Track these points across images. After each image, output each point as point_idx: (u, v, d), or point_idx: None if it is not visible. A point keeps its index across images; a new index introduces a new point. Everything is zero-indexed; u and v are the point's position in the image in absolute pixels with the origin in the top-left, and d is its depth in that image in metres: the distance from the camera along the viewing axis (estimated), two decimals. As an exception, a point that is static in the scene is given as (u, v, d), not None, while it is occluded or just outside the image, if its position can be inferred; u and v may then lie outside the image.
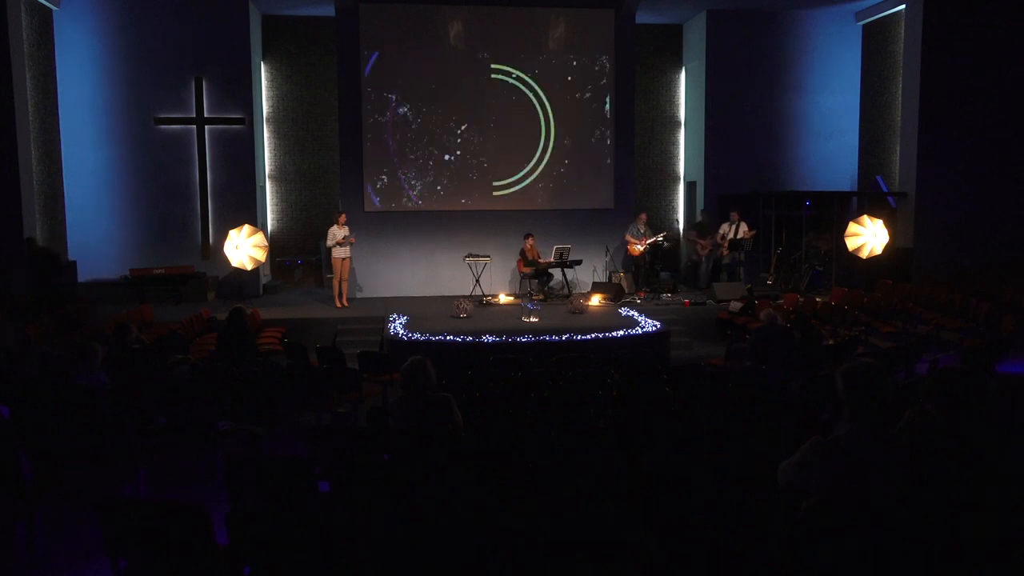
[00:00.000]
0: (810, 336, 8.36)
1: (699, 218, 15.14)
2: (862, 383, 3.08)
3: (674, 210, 16.60)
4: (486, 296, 13.06)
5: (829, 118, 15.54)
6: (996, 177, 13.75)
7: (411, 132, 13.88)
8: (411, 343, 9.64)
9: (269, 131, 15.29)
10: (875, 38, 15.20)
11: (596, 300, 12.70)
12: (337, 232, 12.26)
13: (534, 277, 13.45)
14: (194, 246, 13.82)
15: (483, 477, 4.02)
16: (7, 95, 11.39)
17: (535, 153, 14.18)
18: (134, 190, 13.68)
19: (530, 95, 14.10)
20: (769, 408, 5.83)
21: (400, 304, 12.48)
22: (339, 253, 12.27)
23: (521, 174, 14.19)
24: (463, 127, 14.00)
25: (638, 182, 15.59)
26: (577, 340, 9.85)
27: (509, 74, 14.01)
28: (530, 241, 13.36)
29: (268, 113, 15.25)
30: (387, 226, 13.88)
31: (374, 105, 13.74)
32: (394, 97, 13.79)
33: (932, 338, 9.62)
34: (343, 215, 12.57)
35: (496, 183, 14.14)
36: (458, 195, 14.11)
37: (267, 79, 15.19)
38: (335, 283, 12.52)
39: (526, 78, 14.05)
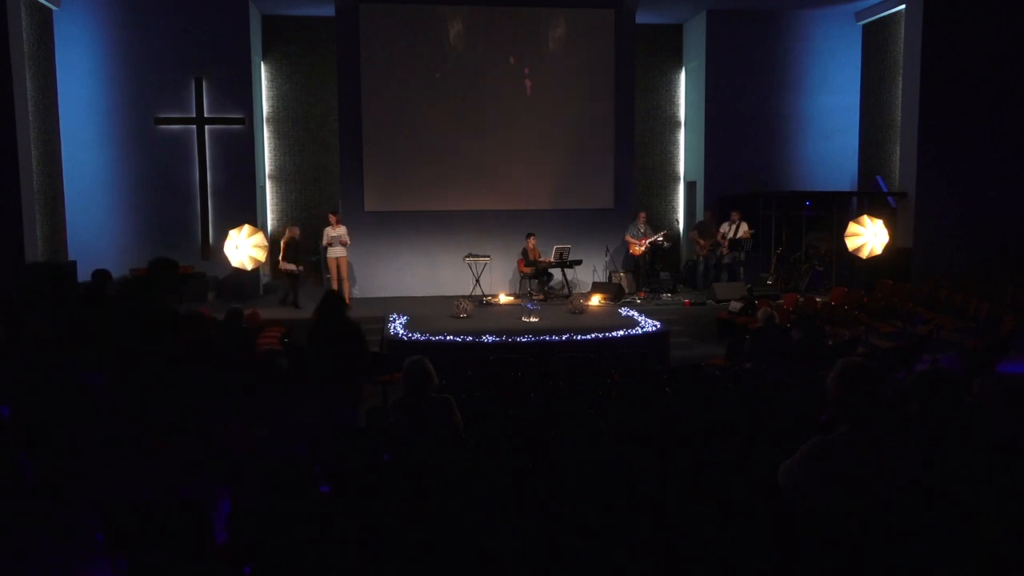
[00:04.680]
0: (813, 336, 8.34)
1: (701, 218, 15.18)
2: (854, 382, 3.08)
3: (674, 210, 16.60)
4: (486, 296, 13.06)
5: (829, 118, 15.54)
6: (996, 177, 13.73)
7: (411, 132, 13.88)
8: (411, 343, 9.64)
9: (269, 131, 15.29)
10: (875, 38, 15.20)
11: (596, 300, 12.70)
12: (329, 232, 12.37)
13: (534, 277, 13.45)
14: (194, 246, 13.82)
15: (483, 478, 4.02)
16: (7, 95, 11.38)
17: (535, 153, 14.18)
18: (134, 190, 13.68)
19: (530, 95, 14.10)
20: (769, 408, 5.83)
21: (400, 304, 12.48)
22: (332, 253, 12.41)
23: (521, 174, 14.20)
24: (463, 127, 14.00)
25: (638, 182, 15.59)
26: (577, 340, 9.84)
27: (509, 74, 14.01)
28: (532, 241, 13.37)
29: (268, 113, 15.25)
30: (387, 226, 13.88)
31: (374, 105, 13.74)
32: (394, 97, 13.79)
33: (932, 338, 9.62)
34: (334, 215, 12.63)
35: (496, 183, 14.14)
36: (458, 195, 14.11)
37: (267, 79, 15.20)
38: (333, 283, 12.58)
39: (526, 78, 14.06)
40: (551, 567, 3.17)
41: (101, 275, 8.00)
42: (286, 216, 15.50)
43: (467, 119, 14.00)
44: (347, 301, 12.29)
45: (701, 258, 14.34)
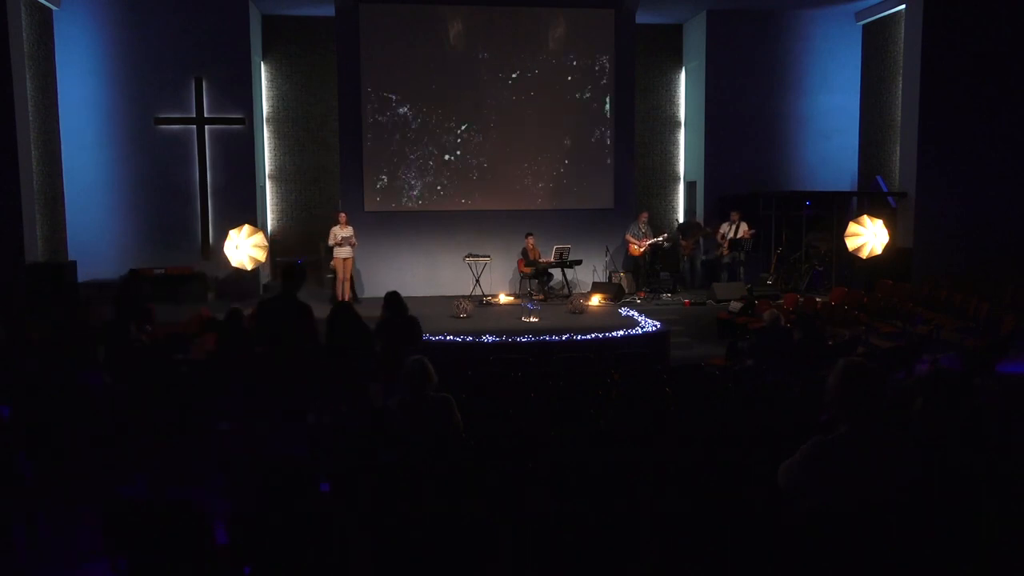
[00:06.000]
0: (813, 336, 8.34)
1: (701, 219, 15.26)
2: (855, 382, 3.08)
3: (674, 210, 16.59)
4: (486, 296, 13.06)
5: (829, 118, 15.53)
6: (996, 177, 13.73)
7: (411, 132, 13.89)
8: (411, 343, 9.63)
9: (269, 131, 15.29)
10: (875, 38, 15.20)
11: (596, 300, 12.70)
12: (338, 232, 12.36)
13: (534, 277, 13.45)
14: (194, 246, 13.82)
15: (483, 477, 4.02)
16: (7, 95, 11.38)
17: (535, 153, 14.18)
18: (134, 190, 13.68)
19: (530, 95, 14.10)
20: (769, 408, 5.83)
21: (400, 304, 12.45)
22: (340, 253, 12.38)
23: (521, 174, 14.20)
24: (463, 127, 14.00)
25: (638, 182, 15.59)
26: (577, 340, 9.84)
27: (509, 74, 14.02)
28: (531, 240, 13.38)
29: (268, 113, 15.25)
30: (387, 226, 13.88)
31: (374, 105, 13.75)
32: (394, 97, 13.80)
33: (932, 338, 9.62)
34: (343, 215, 12.63)
35: (496, 183, 14.15)
36: (458, 195, 14.11)
37: (267, 79, 15.19)
38: (337, 283, 12.58)
39: (526, 78, 14.07)
40: (551, 567, 3.17)
41: (131, 276, 8.07)
42: (286, 216, 15.50)
43: (467, 119, 14.00)
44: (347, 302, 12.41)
45: (685, 257, 14.49)
